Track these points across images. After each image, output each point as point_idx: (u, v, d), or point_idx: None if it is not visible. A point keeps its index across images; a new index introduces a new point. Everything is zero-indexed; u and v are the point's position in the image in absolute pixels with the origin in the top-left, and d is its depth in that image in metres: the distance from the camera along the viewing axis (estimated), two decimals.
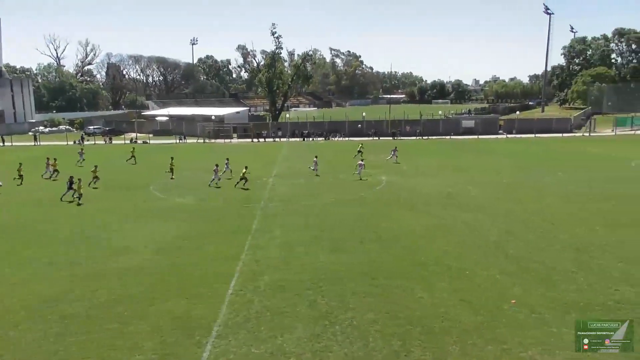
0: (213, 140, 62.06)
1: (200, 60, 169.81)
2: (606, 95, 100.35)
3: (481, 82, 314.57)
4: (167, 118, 78.21)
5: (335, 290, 13.64)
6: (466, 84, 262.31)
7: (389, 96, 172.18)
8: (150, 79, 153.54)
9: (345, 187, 29.21)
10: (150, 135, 68.49)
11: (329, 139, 64.89)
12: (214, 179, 29.13)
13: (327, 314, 12.32)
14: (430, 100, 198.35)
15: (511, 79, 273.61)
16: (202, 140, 62.13)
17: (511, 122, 71.77)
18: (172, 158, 33.26)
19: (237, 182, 28.13)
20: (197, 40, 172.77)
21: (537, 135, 63.51)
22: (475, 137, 61.67)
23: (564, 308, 12.68)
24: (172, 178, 31.73)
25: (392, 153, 40.05)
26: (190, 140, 62.31)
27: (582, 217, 21.59)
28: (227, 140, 62.33)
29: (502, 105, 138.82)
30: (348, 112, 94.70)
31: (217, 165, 29.74)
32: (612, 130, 68.52)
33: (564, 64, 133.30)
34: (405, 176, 33.19)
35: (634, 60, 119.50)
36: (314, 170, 33.56)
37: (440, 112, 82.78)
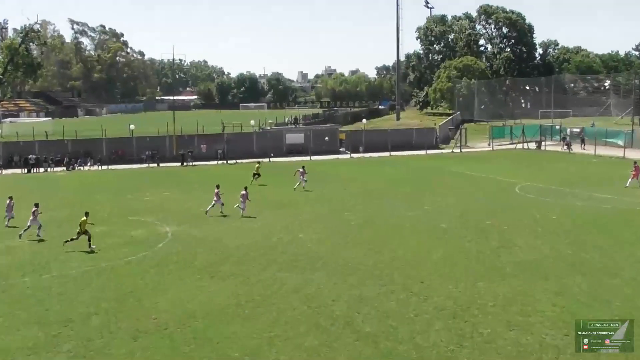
0: None
1: None
2: (477, 95, 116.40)
3: (311, 76, 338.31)
4: None
5: None
6: (289, 80, 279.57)
7: (172, 98, 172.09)
8: None
9: (104, 248, 27.96)
10: None
11: (73, 168, 63.08)
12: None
13: None
14: (238, 104, 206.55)
15: (353, 73, 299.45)
16: None
17: (356, 135, 77.98)
18: None
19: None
20: None
21: (392, 153, 70.15)
22: (307, 158, 65.11)
23: None
24: None
25: (301, 176, 45.27)
26: None
27: (458, 264, 24.01)
28: None
29: (342, 111, 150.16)
30: (106, 123, 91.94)
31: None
32: (489, 144, 79.48)
33: (422, 51, 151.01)
34: (205, 222, 33.66)
35: (507, 49, 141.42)
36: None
37: (252, 122, 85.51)
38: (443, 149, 77.12)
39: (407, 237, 29.20)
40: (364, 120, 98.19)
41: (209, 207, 35.59)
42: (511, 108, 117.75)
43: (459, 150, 74.07)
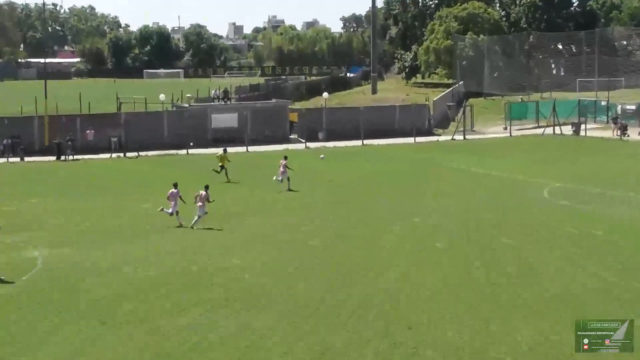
0: None
1: None
2: (488, 58, 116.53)
3: (247, 30, 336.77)
4: None
5: None
6: (217, 35, 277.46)
7: (43, 60, 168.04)
8: None
9: None
10: None
11: None
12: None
13: None
14: (141, 70, 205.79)
15: (309, 26, 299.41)
16: None
17: (314, 115, 78.00)
18: None
19: None
20: None
21: (367, 141, 70.91)
22: (243, 148, 64.90)
23: None
24: None
25: (281, 169, 46.94)
26: None
27: (461, 300, 24.13)
28: None
29: (293, 80, 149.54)
30: None
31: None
32: (505, 128, 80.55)
33: None
34: (95, 243, 33.29)
35: None
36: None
37: (162, 97, 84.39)
38: (440, 135, 77.77)
39: (388, 262, 29.21)
40: (325, 95, 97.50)
41: (168, 210, 37.25)
42: (537, 76, 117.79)
43: (462, 137, 74.83)
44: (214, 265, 29.48)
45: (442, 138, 75.95)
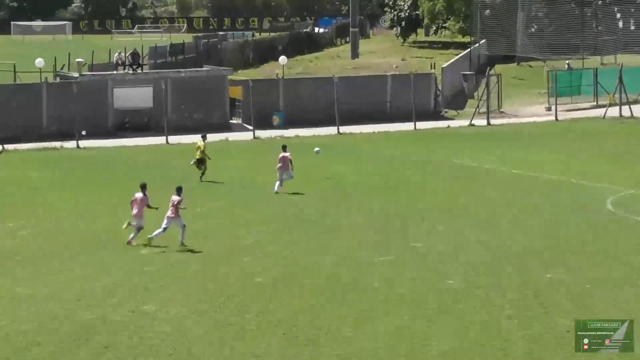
0: None
1: None
2: (522, 7, 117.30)
3: None
4: None
5: None
6: None
7: None
8: None
9: None
10: None
11: None
12: None
13: None
14: (8, 22, 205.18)
15: None
16: None
17: (268, 90, 77.87)
18: None
19: None
20: None
21: (344, 128, 70.72)
22: (161, 139, 64.41)
23: None
24: None
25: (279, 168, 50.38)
26: None
27: None
28: None
29: (235, 38, 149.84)
30: None
31: None
32: (548, 108, 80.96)
33: None
34: None
35: None
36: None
37: (40, 62, 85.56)
38: (452, 118, 77.79)
39: (375, 313, 28.75)
40: (283, 59, 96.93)
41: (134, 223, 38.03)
42: (595, 32, 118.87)
43: (485, 122, 74.84)
44: (117, 314, 28.89)
45: (455, 123, 75.91)
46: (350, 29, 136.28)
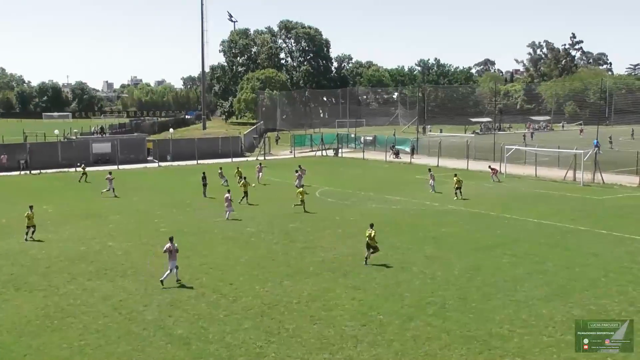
0: None
1: None
2: (279, 106, 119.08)
3: (117, 86, 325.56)
4: None
5: None
6: (94, 89, 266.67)
7: None
8: None
9: None
10: None
11: None
12: None
13: None
14: (40, 114, 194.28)
15: (159, 83, 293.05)
16: None
17: (164, 144, 76.30)
18: None
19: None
20: None
21: (200, 161, 69.42)
22: (115, 167, 62.74)
23: None
24: None
25: (298, 175, 46.52)
26: None
27: (264, 266, 24.16)
28: None
29: (149, 120, 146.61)
30: None
31: None
32: (290, 152, 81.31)
33: (226, 64, 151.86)
34: (5, 235, 30.98)
35: (306, 62, 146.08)
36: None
37: (56, 132, 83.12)
38: (248, 156, 77.84)
39: (215, 244, 28.91)
40: (171, 130, 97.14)
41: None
42: (311, 117, 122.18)
43: (263, 158, 75.04)
44: (95, 247, 28.15)
45: (250, 158, 75.90)
46: (202, 116, 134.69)
